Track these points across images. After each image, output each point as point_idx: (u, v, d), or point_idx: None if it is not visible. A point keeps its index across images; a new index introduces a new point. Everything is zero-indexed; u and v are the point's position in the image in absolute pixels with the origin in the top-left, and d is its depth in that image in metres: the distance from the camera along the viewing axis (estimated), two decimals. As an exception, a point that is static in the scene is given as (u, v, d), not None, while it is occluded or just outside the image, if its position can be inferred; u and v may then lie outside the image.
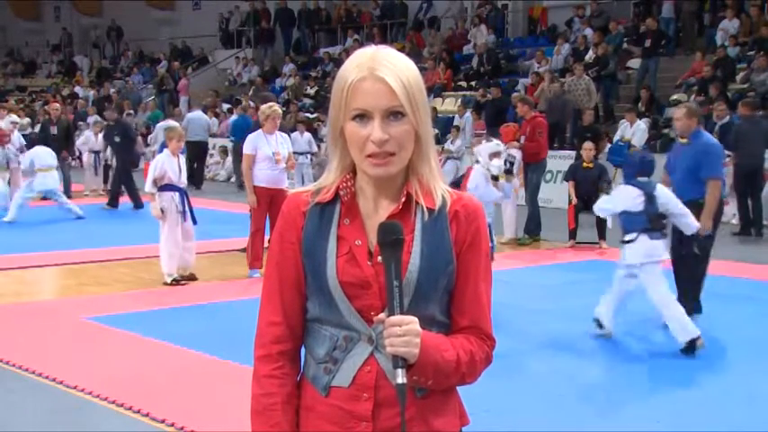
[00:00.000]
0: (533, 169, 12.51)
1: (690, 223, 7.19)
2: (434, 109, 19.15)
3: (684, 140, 7.89)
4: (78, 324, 7.64)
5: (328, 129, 2.06)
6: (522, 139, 12.48)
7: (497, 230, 10.85)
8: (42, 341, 7.07)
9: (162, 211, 9.12)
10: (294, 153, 10.55)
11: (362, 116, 1.95)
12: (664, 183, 8.16)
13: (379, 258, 1.95)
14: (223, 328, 7.46)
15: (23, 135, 17.97)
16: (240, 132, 18.75)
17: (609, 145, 15.50)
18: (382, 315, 1.92)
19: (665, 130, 16.14)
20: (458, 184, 9.02)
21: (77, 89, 30.44)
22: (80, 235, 12.59)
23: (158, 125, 17.99)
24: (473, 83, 21.00)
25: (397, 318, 1.89)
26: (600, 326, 7.30)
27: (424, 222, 2.01)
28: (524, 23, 24.34)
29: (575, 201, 11.74)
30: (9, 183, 16.83)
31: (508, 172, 8.23)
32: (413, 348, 1.89)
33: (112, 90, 28.26)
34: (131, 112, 22.90)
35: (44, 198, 16.04)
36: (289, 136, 10.44)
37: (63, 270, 10.15)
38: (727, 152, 10.98)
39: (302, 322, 2.09)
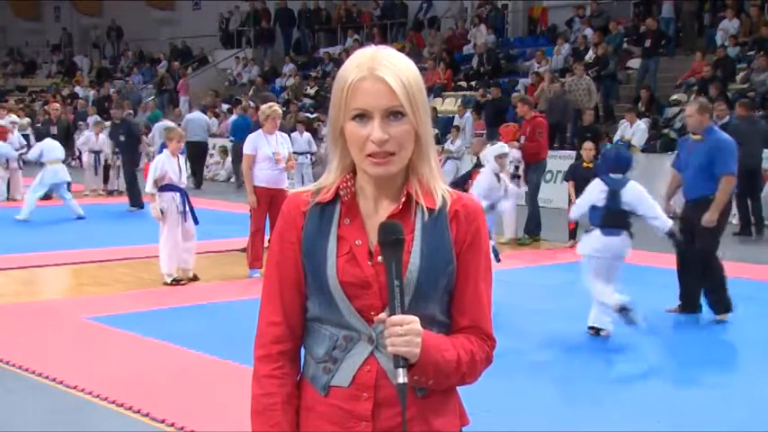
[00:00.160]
0: (533, 169, 12.51)
1: (660, 225, 7.21)
2: (434, 109, 19.15)
3: (697, 137, 7.92)
4: (78, 324, 7.64)
5: (328, 129, 2.06)
6: (522, 139, 12.48)
7: (498, 230, 10.85)
8: (42, 341, 7.07)
9: (162, 211, 9.12)
10: (294, 153, 10.55)
11: (362, 116, 1.95)
12: (673, 180, 8.24)
13: (380, 258, 1.95)
14: (223, 328, 7.46)
15: (23, 135, 18.01)
16: (240, 132, 18.76)
17: (609, 145, 15.48)
18: (383, 315, 1.92)
19: (665, 130, 16.14)
20: (458, 184, 9.02)
21: (77, 89, 30.45)
22: (80, 235, 12.59)
23: (156, 125, 17.99)
24: (473, 83, 21.00)
25: (398, 317, 1.89)
26: (597, 331, 7.30)
27: (424, 222, 2.01)
28: (524, 23, 24.34)
29: (575, 201, 11.71)
30: (9, 184, 16.89)
31: (515, 176, 8.22)
32: (414, 348, 1.89)
33: (112, 90, 28.26)
34: (131, 112, 22.88)
35: (44, 198, 16.08)
36: (289, 136, 10.44)
37: (63, 270, 10.15)
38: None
39: (302, 322, 2.09)
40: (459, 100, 20.31)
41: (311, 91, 23.62)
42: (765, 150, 13.50)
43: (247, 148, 9.53)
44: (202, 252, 10.11)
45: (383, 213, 2.01)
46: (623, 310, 7.01)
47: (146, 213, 13.97)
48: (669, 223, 7.24)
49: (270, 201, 9.28)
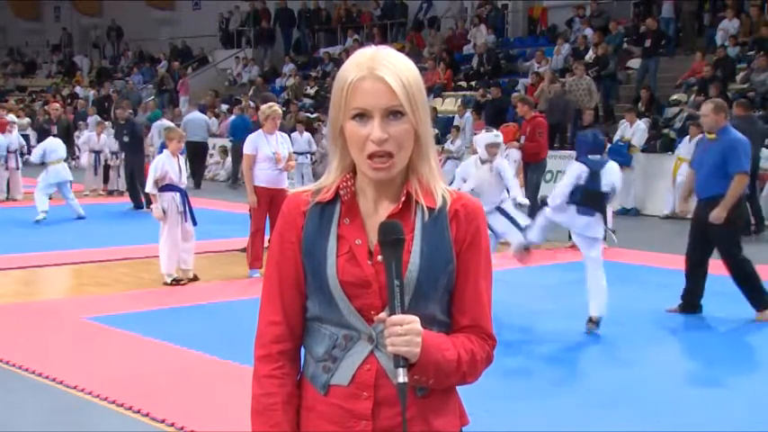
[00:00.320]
0: (533, 169, 12.51)
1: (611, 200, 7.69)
2: (434, 109, 19.15)
3: (712, 136, 7.96)
4: (78, 324, 7.64)
5: (328, 128, 2.06)
6: (522, 139, 12.48)
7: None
8: (42, 341, 7.07)
9: (163, 211, 9.12)
10: (294, 153, 10.55)
11: (362, 115, 1.95)
12: (689, 180, 8.32)
13: (379, 258, 1.95)
14: (223, 328, 7.46)
15: (23, 135, 18.01)
16: (239, 132, 18.79)
17: (609, 145, 15.48)
18: (383, 314, 1.92)
19: (665, 130, 16.14)
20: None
21: (77, 89, 30.45)
22: (80, 235, 12.59)
23: (155, 125, 17.98)
24: (473, 83, 21.00)
25: (398, 317, 1.89)
26: (597, 324, 7.34)
27: (424, 222, 2.01)
28: (524, 23, 24.33)
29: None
30: (8, 184, 16.89)
31: (544, 204, 8.11)
32: (414, 348, 1.89)
33: (112, 90, 28.26)
34: (131, 112, 22.86)
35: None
36: (289, 136, 10.44)
37: (63, 270, 10.15)
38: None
39: (302, 322, 2.09)
40: (459, 100, 20.30)
41: (311, 91, 23.61)
42: (764, 150, 13.50)
43: (247, 149, 9.53)
44: (202, 252, 10.11)
45: (383, 213, 2.01)
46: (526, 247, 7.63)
47: (145, 213, 14.01)
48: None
49: (270, 201, 9.29)
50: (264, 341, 2.08)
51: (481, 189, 8.24)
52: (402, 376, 1.88)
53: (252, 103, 19.91)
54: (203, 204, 13.63)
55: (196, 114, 20.13)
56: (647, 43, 18.18)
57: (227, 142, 20.57)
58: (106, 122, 20.09)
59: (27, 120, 22.77)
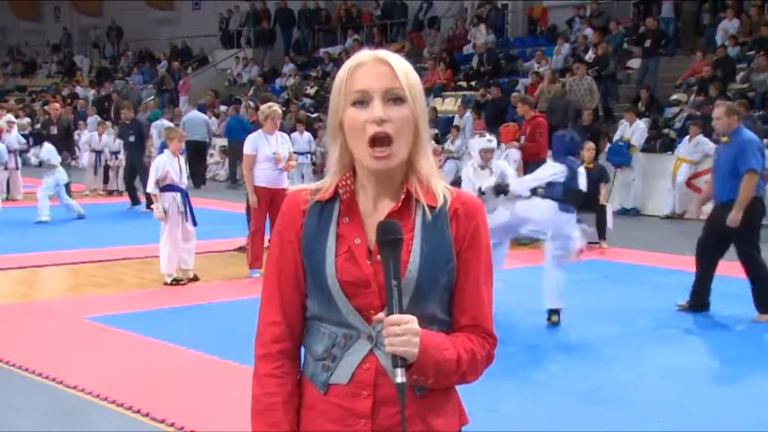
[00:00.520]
0: (533, 169, 12.46)
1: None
2: (434, 109, 19.14)
3: (725, 139, 7.99)
4: (78, 324, 7.64)
5: (328, 124, 2.07)
6: (522, 139, 12.48)
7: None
8: (42, 341, 7.07)
9: (164, 211, 9.13)
10: (294, 153, 10.55)
11: (362, 101, 1.96)
12: (709, 187, 8.39)
13: (379, 257, 1.95)
14: (223, 328, 7.46)
15: (23, 135, 17.99)
16: (234, 133, 18.82)
17: (609, 145, 15.49)
18: (381, 314, 1.92)
19: (665, 130, 16.13)
20: (458, 184, 8.97)
21: (77, 89, 30.44)
22: (80, 235, 12.59)
23: (154, 125, 17.96)
24: (473, 83, 20.98)
25: (395, 317, 1.89)
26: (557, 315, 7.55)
27: (425, 220, 2.01)
28: (524, 23, 24.31)
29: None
30: (8, 184, 16.88)
31: (503, 192, 8.02)
32: (412, 348, 1.89)
33: (112, 90, 28.25)
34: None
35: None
36: (289, 136, 10.44)
37: (63, 270, 10.15)
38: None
39: (302, 321, 2.09)
40: (459, 100, 20.29)
41: (311, 91, 23.60)
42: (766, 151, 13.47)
43: (247, 149, 9.53)
44: (202, 252, 10.11)
45: (383, 211, 2.01)
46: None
47: (143, 213, 14.01)
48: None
49: (270, 201, 9.29)
50: (264, 340, 2.09)
51: (482, 196, 8.23)
52: (400, 376, 1.88)
53: (252, 103, 19.91)
54: (203, 204, 13.63)
55: (195, 114, 20.14)
56: (647, 43, 18.17)
57: (227, 142, 20.58)
58: (107, 122, 20.10)
59: (27, 120, 22.74)
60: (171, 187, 9.20)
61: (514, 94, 18.29)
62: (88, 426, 5.31)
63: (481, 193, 8.05)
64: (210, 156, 21.38)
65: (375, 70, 1.96)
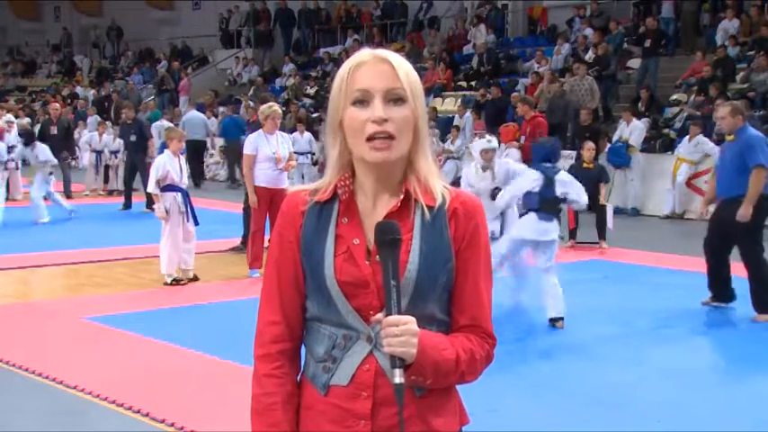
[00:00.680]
0: (533, 169, 12.49)
1: (581, 203, 7.92)
2: (434, 109, 19.14)
3: (730, 137, 8.07)
4: (78, 324, 7.64)
5: (327, 124, 2.06)
6: (522, 139, 12.48)
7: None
8: (42, 341, 7.07)
9: (166, 211, 9.13)
10: (294, 153, 10.56)
11: (363, 101, 1.96)
12: (711, 185, 8.50)
13: (378, 257, 1.95)
14: (223, 328, 7.46)
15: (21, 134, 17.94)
16: (231, 133, 18.81)
17: (608, 145, 15.48)
18: (379, 315, 1.92)
19: (665, 130, 16.13)
20: (458, 184, 8.96)
21: (77, 89, 30.44)
22: (80, 235, 12.59)
23: (154, 125, 17.94)
24: (473, 83, 20.98)
25: (394, 318, 1.89)
26: (561, 320, 7.54)
27: (423, 220, 2.01)
28: (524, 23, 24.31)
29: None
30: (8, 184, 16.86)
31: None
32: (410, 348, 1.89)
33: (112, 90, 28.25)
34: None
35: (44, 198, 16.00)
36: (289, 136, 10.45)
37: (63, 270, 10.14)
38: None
39: (302, 321, 2.09)
40: (459, 100, 20.29)
41: (311, 91, 23.60)
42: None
43: (247, 149, 9.53)
44: (202, 252, 10.11)
45: (382, 211, 2.01)
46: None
47: (143, 213, 14.01)
48: (585, 200, 7.93)
49: (270, 201, 9.29)
50: (264, 341, 2.09)
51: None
52: (398, 377, 1.88)
53: (251, 103, 19.92)
54: (203, 204, 13.62)
55: (195, 114, 20.17)
56: (647, 43, 18.17)
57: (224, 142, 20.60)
58: (107, 122, 20.10)
59: (27, 120, 22.73)
60: (171, 187, 9.19)
61: (514, 94, 18.29)
62: (88, 426, 5.31)
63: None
64: (210, 156, 21.39)
65: (376, 69, 1.96)
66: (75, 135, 20.38)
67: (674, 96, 16.91)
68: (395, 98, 1.95)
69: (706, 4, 20.17)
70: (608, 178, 12.03)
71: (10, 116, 18.22)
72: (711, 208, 8.68)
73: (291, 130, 17.52)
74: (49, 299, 8.80)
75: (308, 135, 18.59)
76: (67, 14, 37.49)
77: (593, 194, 11.65)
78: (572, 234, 11.83)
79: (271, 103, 10.09)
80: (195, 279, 9.36)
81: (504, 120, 15.46)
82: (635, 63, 18.99)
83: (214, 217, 13.07)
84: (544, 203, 7.57)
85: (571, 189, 7.70)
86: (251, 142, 9.51)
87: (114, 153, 17.95)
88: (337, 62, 22.51)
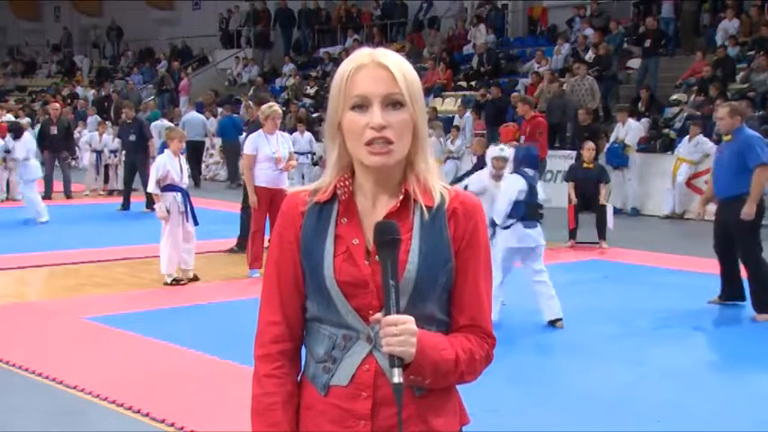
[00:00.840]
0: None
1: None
2: (434, 109, 19.14)
3: (728, 137, 8.11)
4: (78, 324, 7.64)
5: (326, 125, 2.06)
6: (522, 139, 12.48)
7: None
8: (42, 341, 7.07)
9: (167, 211, 9.12)
10: (295, 153, 10.56)
11: (361, 105, 1.96)
12: (709, 186, 8.55)
13: (377, 257, 1.95)
14: (223, 328, 7.46)
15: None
16: (228, 132, 18.82)
17: (606, 145, 15.48)
18: (378, 315, 1.92)
19: (665, 130, 16.13)
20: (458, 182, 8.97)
21: (77, 89, 30.44)
22: (79, 235, 12.58)
23: (154, 125, 17.93)
24: (473, 83, 20.99)
25: (392, 317, 1.89)
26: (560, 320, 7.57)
27: (423, 220, 2.01)
28: (524, 23, 24.31)
29: (575, 201, 11.75)
30: (8, 184, 16.87)
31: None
32: (409, 348, 1.89)
33: (112, 90, 28.25)
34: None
35: (44, 198, 16.02)
36: (289, 136, 10.45)
37: (63, 270, 10.14)
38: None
39: (302, 322, 2.10)
40: (459, 100, 20.30)
41: (311, 91, 23.60)
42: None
43: (248, 149, 9.53)
44: (202, 252, 10.11)
45: (381, 211, 2.01)
46: None
47: (143, 213, 14.01)
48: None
49: (270, 201, 9.29)
50: (264, 341, 2.09)
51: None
52: (397, 376, 1.88)
53: (251, 103, 19.92)
54: (203, 204, 13.62)
55: (194, 114, 20.18)
56: (647, 43, 18.17)
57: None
58: (107, 122, 20.10)
59: (27, 120, 22.74)
60: (171, 187, 9.19)
61: (514, 94, 18.29)
62: (88, 426, 5.31)
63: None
64: (211, 156, 21.40)
65: (374, 74, 1.96)
66: (75, 135, 20.39)
67: (674, 96, 16.91)
68: (393, 102, 1.95)
69: (706, 4, 20.17)
70: (608, 178, 12.03)
71: (10, 116, 18.23)
72: (709, 208, 8.71)
73: (292, 130, 17.52)
74: (49, 299, 8.80)
75: (308, 135, 18.59)
76: (67, 14, 37.49)
77: (594, 194, 11.68)
78: (572, 234, 11.83)
79: (271, 103, 10.08)
80: (195, 279, 9.36)
81: (504, 120, 15.46)
82: (635, 63, 19.00)
83: (214, 217, 13.07)
84: (530, 210, 7.60)
85: (544, 194, 7.83)
86: (251, 142, 9.50)
87: (114, 152, 17.96)
88: (337, 62, 22.39)
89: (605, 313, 8.20)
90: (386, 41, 23.85)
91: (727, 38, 18.05)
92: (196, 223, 9.37)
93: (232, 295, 8.73)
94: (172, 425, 5.22)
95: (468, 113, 18.81)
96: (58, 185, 16.88)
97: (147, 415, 5.38)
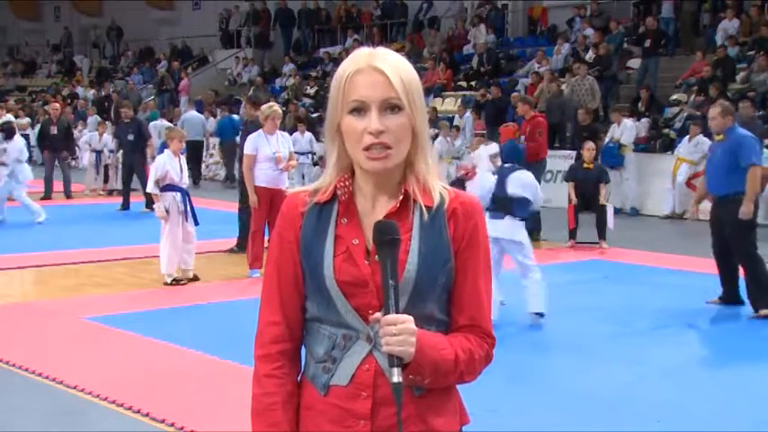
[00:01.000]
0: (533, 169, 12.46)
1: (534, 206, 7.99)
2: (434, 109, 19.13)
3: (720, 137, 8.16)
4: (78, 324, 7.64)
5: (326, 127, 2.07)
6: (522, 138, 12.47)
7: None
8: (42, 341, 7.07)
9: (166, 211, 9.12)
10: (295, 153, 10.56)
11: (359, 110, 1.96)
12: (701, 186, 8.59)
13: (377, 257, 1.95)
14: (223, 328, 7.46)
15: (23, 135, 17.98)
16: (226, 132, 18.82)
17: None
18: (378, 314, 1.92)
19: (665, 130, 16.13)
20: (457, 183, 9.00)
21: (77, 89, 30.44)
22: (80, 235, 12.58)
23: (152, 125, 17.93)
24: (473, 83, 20.99)
25: (392, 317, 1.89)
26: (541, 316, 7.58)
27: (422, 221, 2.01)
28: (524, 23, 24.31)
29: (575, 201, 11.75)
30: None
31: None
32: (408, 347, 1.89)
33: (112, 90, 28.25)
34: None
35: (45, 198, 16.05)
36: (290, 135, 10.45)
37: (63, 270, 10.14)
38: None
39: (302, 322, 2.10)
40: (459, 100, 20.29)
41: (311, 91, 23.60)
42: (765, 151, 13.48)
43: (248, 149, 9.52)
44: (202, 252, 10.11)
45: (381, 212, 2.02)
46: None
47: (143, 214, 14.01)
48: (539, 201, 8.06)
49: (270, 201, 9.29)
50: (264, 341, 2.09)
51: None
52: (396, 376, 1.89)
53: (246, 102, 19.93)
54: (203, 204, 13.62)
55: (193, 113, 20.19)
56: (647, 43, 18.17)
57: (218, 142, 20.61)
58: (107, 122, 20.09)
59: (27, 120, 22.75)
60: (171, 187, 9.19)
61: (514, 94, 18.28)
62: (88, 426, 5.31)
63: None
64: (211, 156, 21.40)
65: (371, 80, 1.95)
66: (75, 135, 20.39)
67: (674, 96, 16.92)
68: (391, 106, 1.95)
69: (706, 4, 20.16)
70: (608, 178, 12.04)
71: (10, 116, 18.23)
72: (704, 208, 8.75)
73: (292, 130, 17.51)
74: (49, 299, 8.80)
75: (308, 135, 18.58)
76: (67, 14, 37.48)
77: (594, 194, 11.68)
78: (572, 234, 11.83)
79: (271, 103, 10.09)
80: (195, 279, 9.36)
81: (504, 120, 15.45)
82: (635, 63, 19.00)
83: (214, 217, 13.07)
84: (495, 202, 7.66)
85: (524, 190, 7.73)
86: (251, 142, 9.50)
87: (112, 151, 17.96)
88: (337, 62, 22.35)
89: (605, 313, 8.20)
90: (386, 41, 23.84)
91: (727, 38, 18.05)
92: (197, 223, 9.37)
93: (232, 295, 8.73)
94: (172, 425, 5.22)
95: (468, 113, 18.81)
96: (57, 185, 16.87)
97: (147, 415, 5.38)
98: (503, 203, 7.69)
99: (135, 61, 32.38)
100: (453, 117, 19.29)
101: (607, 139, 15.46)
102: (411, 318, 1.91)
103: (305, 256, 2.04)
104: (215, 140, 21.35)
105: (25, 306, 8.41)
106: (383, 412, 1.98)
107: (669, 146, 15.66)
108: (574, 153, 14.77)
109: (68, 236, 12.42)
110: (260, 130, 9.58)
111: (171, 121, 19.18)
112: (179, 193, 9.24)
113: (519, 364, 6.53)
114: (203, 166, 20.88)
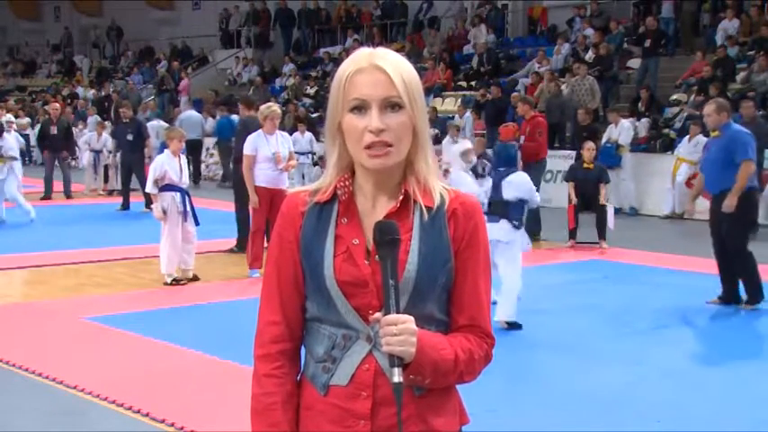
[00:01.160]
0: (533, 169, 12.47)
1: (531, 205, 8.03)
2: (434, 109, 19.13)
3: (716, 133, 8.22)
4: (78, 324, 7.64)
5: (326, 126, 2.07)
6: (522, 138, 12.47)
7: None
8: (42, 341, 7.07)
9: (164, 211, 9.11)
10: (295, 153, 10.56)
11: (360, 108, 1.96)
12: (699, 183, 8.61)
13: (377, 257, 1.95)
14: (223, 328, 7.46)
15: (23, 135, 17.99)
16: (225, 132, 18.82)
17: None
18: (378, 314, 1.92)
19: (665, 130, 16.13)
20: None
21: (77, 89, 30.44)
22: (80, 235, 12.58)
23: (150, 125, 17.91)
24: (473, 83, 20.99)
25: (392, 317, 1.89)
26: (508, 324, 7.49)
27: (423, 221, 2.02)
28: (524, 23, 24.31)
29: (574, 201, 11.75)
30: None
31: (480, 176, 8.25)
32: (409, 347, 1.90)
33: (112, 90, 28.25)
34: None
35: (44, 197, 16.04)
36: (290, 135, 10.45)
37: (63, 270, 10.14)
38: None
39: (302, 322, 2.10)
40: (459, 100, 20.30)
41: (311, 91, 23.60)
42: (765, 151, 13.47)
43: (247, 149, 9.52)
44: (202, 252, 10.11)
45: (381, 212, 2.02)
46: None
47: (142, 213, 14.00)
48: (536, 200, 8.07)
49: (270, 201, 9.29)
50: (264, 341, 2.09)
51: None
52: (397, 376, 1.89)
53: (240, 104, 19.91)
54: (202, 204, 13.62)
55: (192, 113, 20.20)
56: (647, 43, 18.17)
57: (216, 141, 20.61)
58: (106, 122, 20.09)
59: (27, 120, 22.77)
60: (170, 187, 9.18)
61: (514, 94, 18.28)
62: (88, 426, 5.31)
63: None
64: (211, 156, 21.39)
65: (372, 78, 1.96)
66: (75, 135, 20.39)
67: (674, 96, 16.91)
68: (392, 105, 1.96)
69: (706, 4, 20.17)
70: (608, 179, 12.04)
71: (10, 116, 18.24)
72: (701, 205, 8.78)
73: (292, 130, 17.51)
74: (49, 299, 8.80)
75: (308, 135, 18.58)
76: (67, 14, 37.48)
77: (594, 194, 11.69)
78: (572, 234, 11.83)
79: (270, 104, 10.09)
80: (195, 279, 9.36)
81: (504, 120, 15.44)
82: (635, 63, 19.00)
83: (213, 217, 13.07)
84: (491, 206, 7.66)
85: (518, 192, 7.72)
86: (250, 142, 9.50)
87: (110, 152, 17.97)
88: (337, 62, 22.47)
89: (605, 313, 8.20)
90: (386, 41, 23.84)
91: (727, 38, 18.05)
92: (197, 223, 9.37)
93: (232, 295, 8.73)
94: (172, 425, 5.22)
95: (468, 113, 18.81)
96: (57, 185, 16.87)
97: (147, 415, 5.38)
98: (498, 207, 7.70)
99: (135, 61, 32.37)
100: (453, 117, 19.30)
101: (604, 140, 15.45)
102: (411, 318, 1.91)
103: (305, 256, 2.04)
104: (215, 140, 21.37)
105: (25, 306, 8.41)
106: (383, 412, 1.98)
107: (669, 146, 15.66)
108: (574, 153, 14.77)
109: (68, 236, 12.42)
110: (259, 131, 9.58)
111: (170, 121, 19.16)
112: (178, 194, 9.23)
113: (519, 364, 6.53)
114: (203, 166, 20.89)
